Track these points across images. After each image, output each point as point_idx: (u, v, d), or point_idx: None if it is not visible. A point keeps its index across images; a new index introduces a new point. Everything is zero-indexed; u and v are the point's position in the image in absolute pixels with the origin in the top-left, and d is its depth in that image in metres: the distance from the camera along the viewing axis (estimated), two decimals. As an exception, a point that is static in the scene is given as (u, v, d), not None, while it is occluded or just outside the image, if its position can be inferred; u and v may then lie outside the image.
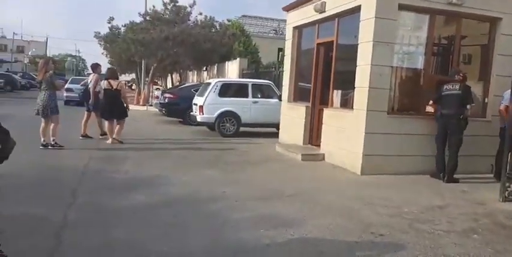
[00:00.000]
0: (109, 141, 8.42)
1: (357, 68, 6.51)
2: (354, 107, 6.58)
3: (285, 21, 9.61)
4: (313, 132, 8.31)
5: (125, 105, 8.63)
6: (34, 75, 40.12)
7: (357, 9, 6.58)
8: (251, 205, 4.55)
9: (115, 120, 8.55)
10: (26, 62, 58.92)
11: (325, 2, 7.46)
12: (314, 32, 8.19)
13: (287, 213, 4.32)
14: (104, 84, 8.40)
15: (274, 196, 4.96)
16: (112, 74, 8.68)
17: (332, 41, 7.44)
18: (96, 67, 9.21)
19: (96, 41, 23.99)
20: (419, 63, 6.76)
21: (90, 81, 8.90)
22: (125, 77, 50.72)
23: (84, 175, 5.68)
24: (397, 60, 6.60)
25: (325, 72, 7.88)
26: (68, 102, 18.26)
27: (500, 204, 5.10)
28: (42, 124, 7.48)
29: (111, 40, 23.60)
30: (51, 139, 7.51)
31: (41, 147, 7.38)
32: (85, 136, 8.85)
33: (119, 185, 5.24)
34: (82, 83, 10.37)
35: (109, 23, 22.64)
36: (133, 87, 35.93)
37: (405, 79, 6.99)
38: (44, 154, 7.09)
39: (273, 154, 8.12)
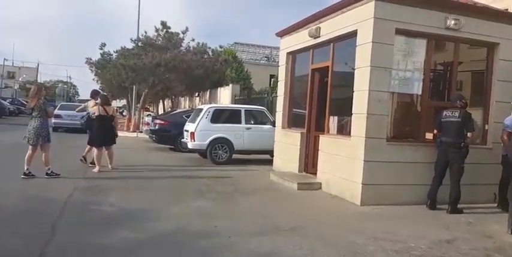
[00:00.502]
0: (96, 169, 8.10)
1: (354, 93, 6.32)
2: (352, 134, 6.35)
3: (277, 48, 9.53)
4: (308, 159, 8.03)
5: (115, 132, 8.61)
6: (24, 102, 39.83)
7: (353, 34, 6.47)
8: (246, 242, 4.18)
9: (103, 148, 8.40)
10: (16, 88, 58.52)
11: (319, 27, 7.37)
12: (308, 57, 8.06)
13: (286, 250, 3.96)
14: (99, 110, 8.25)
15: (270, 231, 4.60)
16: (106, 100, 8.57)
17: (327, 67, 7.29)
18: (97, 94, 9.04)
19: (87, 66, 23.93)
20: (417, 89, 6.58)
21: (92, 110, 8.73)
22: (116, 103, 50.47)
23: (66, 208, 5.27)
24: (394, 85, 6.43)
25: (321, 98, 7.69)
26: (56, 128, 17.87)
27: (509, 236, 4.83)
28: (29, 152, 7.08)
29: (102, 66, 23.49)
30: (46, 168, 7.17)
31: (22, 176, 6.97)
32: (84, 159, 8.78)
33: (103, 219, 4.84)
34: (78, 109, 10.11)
35: (101, 49, 22.62)
36: (124, 113, 35.62)
37: (403, 105, 6.82)
38: (26, 183, 6.67)
39: (267, 183, 7.78)
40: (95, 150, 8.34)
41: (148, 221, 4.82)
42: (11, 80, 60.20)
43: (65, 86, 76.43)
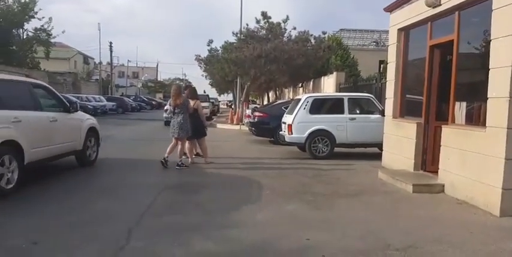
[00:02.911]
0: (189, 161, 8.15)
1: (490, 71, 4.86)
2: (487, 124, 4.90)
3: (386, 32, 8.17)
4: (427, 155, 6.66)
5: (204, 124, 8.52)
6: (145, 98, 44.00)
7: (486, -5, 4.99)
8: (343, 264, 3.28)
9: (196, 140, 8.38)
10: (139, 86, 64.90)
11: (440, -7, 5.94)
12: (425, 32, 6.62)
13: (397, 282, 2.95)
14: None
15: (376, 249, 3.61)
16: (190, 94, 8.42)
17: (451, 41, 5.83)
18: (185, 88, 9.03)
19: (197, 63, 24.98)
20: None
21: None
22: (224, 97, 52.48)
23: (149, 209, 4.90)
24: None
25: (443, 80, 6.25)
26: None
27: None
28: (172, 143, 7.78)
29: (209, 61, 24.13)
30: (178, 160, 7.62)
31: (162, 160, 7.55)
32: (196, 154, 8.77)
33: (183, 224, 4.33)
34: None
35: (208, 45, 23.20)
36: (232, 106, 36.79)
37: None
38: (116, 178, 6.65)
39: (374, 183, 6.62)
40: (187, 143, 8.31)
41: (232, 228, 4.18)
42: (135, 80, 66.98)
43: (181, 83, 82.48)
